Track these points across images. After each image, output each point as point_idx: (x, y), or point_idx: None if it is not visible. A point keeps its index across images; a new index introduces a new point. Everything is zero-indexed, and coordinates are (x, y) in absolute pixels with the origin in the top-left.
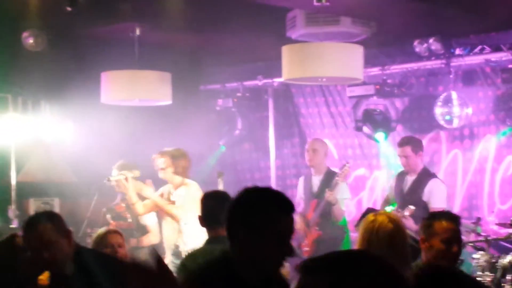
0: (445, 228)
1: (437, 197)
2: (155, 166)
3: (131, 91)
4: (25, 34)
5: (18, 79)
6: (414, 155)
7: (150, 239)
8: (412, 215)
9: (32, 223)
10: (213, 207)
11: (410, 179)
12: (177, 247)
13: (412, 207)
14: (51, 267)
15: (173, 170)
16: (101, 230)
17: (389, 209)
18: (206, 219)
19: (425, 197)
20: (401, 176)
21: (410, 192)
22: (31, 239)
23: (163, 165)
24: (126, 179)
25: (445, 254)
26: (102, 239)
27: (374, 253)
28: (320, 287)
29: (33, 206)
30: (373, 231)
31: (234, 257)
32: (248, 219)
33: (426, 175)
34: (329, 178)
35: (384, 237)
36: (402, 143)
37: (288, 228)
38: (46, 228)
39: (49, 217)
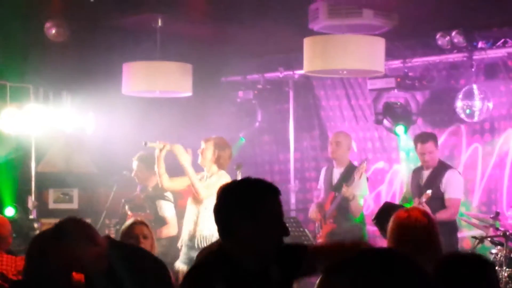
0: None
1: (454, 187)
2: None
3: (152, 82)
4: (47, 25)
5: (40, 69)
6: (436, 149)
7: (168, 231)
8: (429, 202)
9: (59, 237)
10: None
11: (426, 173)
12: (192, 238)
13: (429, 192)
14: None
15: (212, 158)
16: (129, 221)
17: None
18: None
19: (442, 188)
20: (417, 172)
21: (427, 185)
22: (58, 254)
23: (205, 152)
24: (163, 148)
25: None
26: (128, 230)
27: (401, 252)
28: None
29: (53, 197)
30: (409, 227)
31: (232, 250)
32: (243, 208)
33: (442, 167)
34: (349, 172)
35: (421, 232)
36: (424, 139)
37: (279, 209)
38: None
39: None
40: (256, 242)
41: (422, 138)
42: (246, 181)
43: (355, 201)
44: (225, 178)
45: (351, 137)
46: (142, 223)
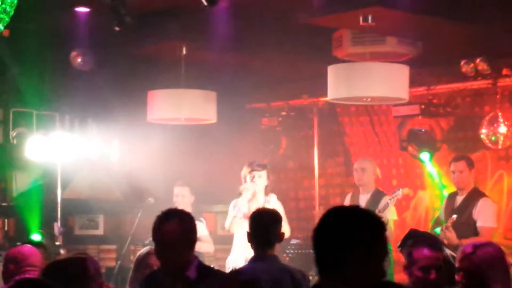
0: (423, 255)
1: (487, 215)
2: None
3: (177, 109)
4: (73, 53)
5: (66, 97)
6: (468, 170)
7: (206, 246)
8: (458, 227)
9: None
10: (266, 226)
11: (460, 198)
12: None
13: (454, 216)
14: None
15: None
16: (143, 250)
17: (438, 229)
18: (255, 237)
19: (475, 216)
20: (451, 196)
21: (460, 211)
22: None
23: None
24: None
25: (421, 282)
26: (143, 259)
27: None
28: None
29: (78, 223)
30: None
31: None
32: (364, 237)
33: (476, 194)
34: (377, 198)
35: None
36: (457, 158)
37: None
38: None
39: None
40: (371, 272)
41: (455, 157)
42: (356, 209)
43: (388, 226)
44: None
45: (375, 163)
46: None
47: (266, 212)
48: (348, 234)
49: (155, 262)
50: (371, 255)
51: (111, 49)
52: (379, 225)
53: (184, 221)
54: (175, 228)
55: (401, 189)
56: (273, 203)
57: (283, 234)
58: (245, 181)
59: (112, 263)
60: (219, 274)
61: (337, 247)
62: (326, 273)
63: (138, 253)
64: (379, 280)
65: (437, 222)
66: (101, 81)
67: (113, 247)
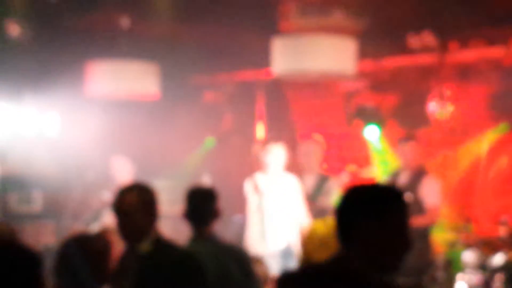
0: None
1: (433, 193)
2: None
3: (117, 83)
4: (9, 23)
5: (1, 69)
6: (414, 149)
7: None
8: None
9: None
10: (201, 204)
11: (404, 176)
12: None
13: (408, 195)
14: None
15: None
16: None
17: None
18: (192, 216)
19: (420, 193)
20: (396, 174)
21: (406, 189)
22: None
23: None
24: None
25: None
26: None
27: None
28: None
29: (14, 199)
30: None
31: (353, 257)
32: (376, 213)
33: (421, 172)
34: (321, 182)
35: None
36: (405, 137)
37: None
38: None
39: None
40: (381, 250)
41: (404, 136)
42: (374, 185)
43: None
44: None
45: (319, 145)
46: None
47: (199, 189)
48: (361, 209)
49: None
50: (383, 233)
51: (49, 20)
52: (395, 204)
53: (144, 193)
54: (133, 199)
55: (345, 175)
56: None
57: (219, 211)
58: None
59: (50, 240)
60: (174, 250)
61: (350, 222)
62: (343, 247)
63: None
64: (389, 269)
65: None
66: (40, 53)
67: (51, 223)
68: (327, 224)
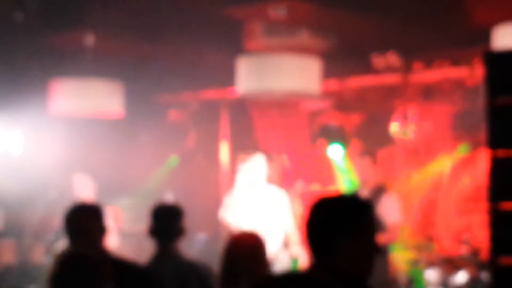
0: None
1: (392, 211)
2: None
3: (81, 101)
4: None
5: None
6: (371, 166)
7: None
8: None
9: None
10: (166, 221)
11: (364, 194)
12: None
13: None
14: None
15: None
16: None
17: None
18: (157, 233)
19: (379, 211)
20: (354, 194)
21: None
22: None
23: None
24: None
25: None
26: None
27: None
28: None
29: None
30: None
31: (328, 269)
32: (349, 227)
33: (380, 190)
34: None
35: None
36: (361, 154)
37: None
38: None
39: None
40: (358, 261)
41: (360, 153)
42: (345, 197)
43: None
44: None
45: (277, 160)
46: None
47: (166, 206)
48: (333, 222)
49: None
50: (356, 244)
51: (14, 38)
52: (365, 215)
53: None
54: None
55: (299, 185)
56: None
57: (185, 228)
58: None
59: (11, 259)
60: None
61: (321, 235)
62: (314, 260)
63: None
64: (364, 274)
65: None
66: (4, 72)
67: (12, 242)
68: (255, 235)
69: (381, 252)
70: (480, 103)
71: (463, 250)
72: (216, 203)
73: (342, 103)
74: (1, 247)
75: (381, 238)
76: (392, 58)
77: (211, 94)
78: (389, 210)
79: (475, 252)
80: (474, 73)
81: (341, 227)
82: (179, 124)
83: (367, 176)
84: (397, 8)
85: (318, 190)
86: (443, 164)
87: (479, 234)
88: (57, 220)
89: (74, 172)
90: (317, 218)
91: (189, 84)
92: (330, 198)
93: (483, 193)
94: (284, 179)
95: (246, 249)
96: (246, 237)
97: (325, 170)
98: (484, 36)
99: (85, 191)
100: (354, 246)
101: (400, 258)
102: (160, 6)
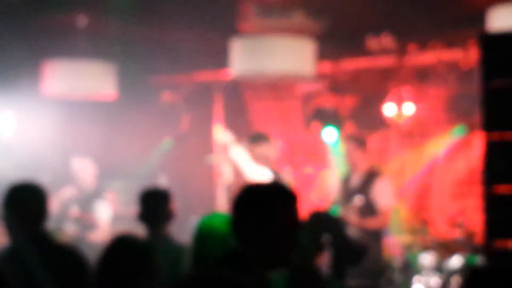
0: None
1: (385, 195)
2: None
3: (74, 82)
4: None
5: None
6: (359, 150)
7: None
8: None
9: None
10: (154, 205)
11: (356, 178)
12: None
13: (359, 197)
14: None
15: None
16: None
17: (337, 209)
18: (146, 218)
19: (372, 195)
20: (347, 176)
21: (357, 191)
22: None
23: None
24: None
25: None
26: None
27: None
28: None
29: None
30: None
31: (241, 257)
32: (258, 215)
33: (372, 173)
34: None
35: None
36: (346, 138)
37: (295, 218)
38: None
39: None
40: (266, 251)
41: (345, 138)
42: (264, 185)
43: None
44: None
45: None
46: None
47: (153, 191)
48: (241, 211)
49: None
50: (263, 237)
51: (6, 18)
52: (278, 206)
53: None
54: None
55: (288, 169)
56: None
57: (173, 211)
58: None
59: (2, 241)
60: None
61: (241, 221)
62: (238, 244)
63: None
64: (278, 266)
65: (337, 203)
66: None
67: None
68: (227, 220)
69: (374, 237)
70: (474, 85)
71: (458, 234)
72: (210, 186)
73: (336, 85)
74: None
75: (373, 223)
76: (387, 40)
77: (204, 76)
78: (381, 194)
79: (469, 236)
80: (469, 55)
81: (247, 218)
82: (173, 106)
83: (355, 161)
84: None
85: (311, 173)
86: (438, 147)
87: (474, 218)
88: (53, 203)
89: (68, 154)
90: (237, 205)
91: (182, 66)
92: (254, 186)
93: (478, 176)
94: (277, 162)
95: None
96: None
97: (319, 153)
98: (479, 17)
99: (86, 174)
100: (261, 239)
101: (395, 241)
102: None
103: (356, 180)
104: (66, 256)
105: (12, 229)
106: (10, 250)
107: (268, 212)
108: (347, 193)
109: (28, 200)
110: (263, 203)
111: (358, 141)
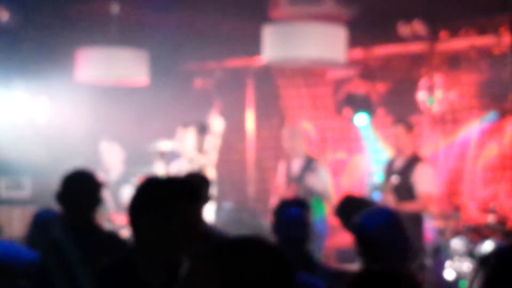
0: None
1: (425, 180)
2: None
3: (106, 69)
4: None
5: None
6: (406, 134)
7: None
8: (397, 191)
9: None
10: None
11: (399, 162)
12: None
13: (394, 179)
14: None
15: None
16: None
17: (377, 193)
18: None
19: (413, 180)
20: (391, 160)
21: (400, 174)
22: None
23: None
24: None
25: None
26: None
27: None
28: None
29: (4, 185)
30: None
31: (137, 254)
32: (155, 209)
33: (415, 159)
34: (309, 163)
35: None
36: (396, 122)
37: (195, 217)
38: None
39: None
40: (162, 251)
41: (394, 121)
42: (162, 180)
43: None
44: None
45: (303, 129)
46: None
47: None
48: (146, 206)
49: None
50: (166, 231)
51: (40, 6)
52: (183, 202)
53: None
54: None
55: (327, 154)
56: None
57: (210, 195)
58: None
59: None
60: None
61: (136, 218)
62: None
63: None
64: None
65: (376, 186)
66: (30, 39)
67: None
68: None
69: (413, 221)
70: (507, 71)
71: (490, 219)
72: (242, 171)
73: (367, 71)
74: (29, 214)
75: (411, 206)
76: (418, 26)
77: (236, 62)
78: (422, 179)
79: (501, 221)
80: (501, 41)
81: (152, 212)
82: (204, 92)
83: (402, 145)
84: None
85: (343, 158)
86: (470, 133)
87: (506, 203)
88: None
89: (99, 140)
90: (134, 201)
91: (214, 53)
92: (152, 182)
93: (510, 162)
94: (310, 148)
95: None
96: None
97: (351, 139)
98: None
99: (113, 158)
100: (163, 233)
101: (427, 227)
102: None
103: (398, 164)
104: (114, 243)
105: (66, 216)
106: (62, 237)
107: (164, 211)
108: (389, 177)
109: (83, 188)
110: (164, 197)
111: (407, 126)
